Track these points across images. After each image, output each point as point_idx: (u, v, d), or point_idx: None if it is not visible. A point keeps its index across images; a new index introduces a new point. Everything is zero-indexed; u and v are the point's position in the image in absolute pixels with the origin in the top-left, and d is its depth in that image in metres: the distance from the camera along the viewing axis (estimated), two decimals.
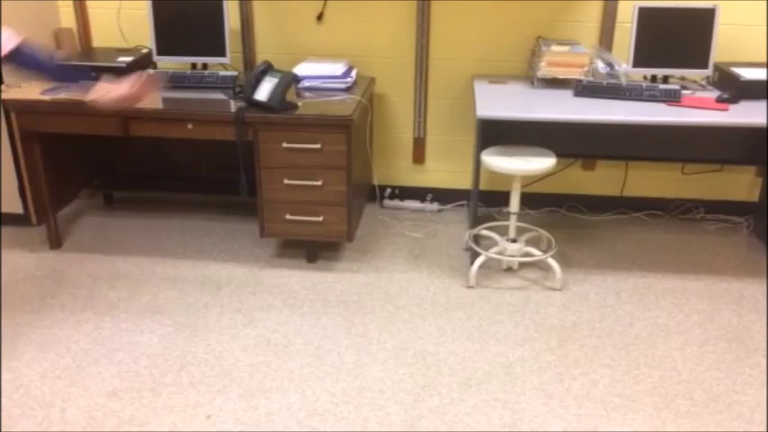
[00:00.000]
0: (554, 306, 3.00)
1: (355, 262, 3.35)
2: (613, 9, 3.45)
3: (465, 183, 3.87)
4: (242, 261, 3.35)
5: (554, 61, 3.28)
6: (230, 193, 3.58)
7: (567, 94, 3.22)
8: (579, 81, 3.21)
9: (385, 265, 3.32)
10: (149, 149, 3.82)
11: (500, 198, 3.80)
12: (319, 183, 3.07)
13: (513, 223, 3.19)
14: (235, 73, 3.40)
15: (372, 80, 3.61)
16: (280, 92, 2.99)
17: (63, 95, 3.12)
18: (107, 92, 2.37)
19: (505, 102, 3.14)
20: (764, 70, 3.20)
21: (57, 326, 2.83)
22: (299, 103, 3.10)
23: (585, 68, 3.27)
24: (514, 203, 3.13)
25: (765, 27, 3.41)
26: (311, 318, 2.90)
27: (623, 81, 3.19)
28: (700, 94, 3.22)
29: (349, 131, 2.99)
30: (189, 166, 3.85)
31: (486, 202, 3.86)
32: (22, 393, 2.44)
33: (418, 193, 3.93)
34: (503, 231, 3.32)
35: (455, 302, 3.02)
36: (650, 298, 3.06)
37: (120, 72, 3.35)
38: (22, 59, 2.22)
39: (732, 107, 3.03)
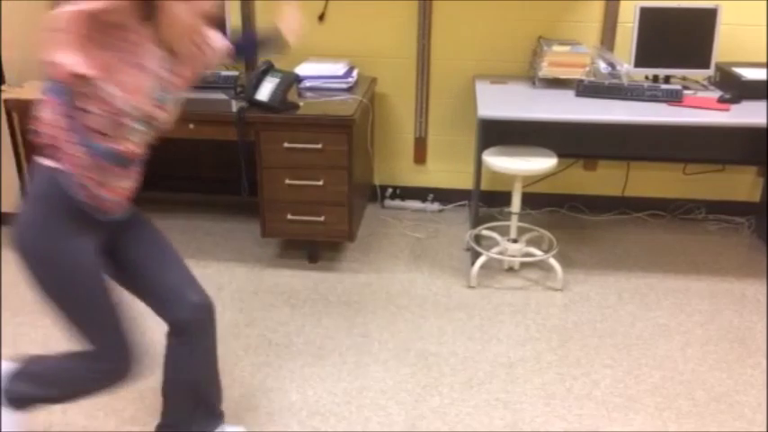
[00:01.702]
0: (555, 306, 3.00)
1: (356, 262, 3.35)
2: (615, 9, 3.45)
3: (466, 183, 3.87)
4: (243, 261, 3.35)
5: (555, 61, 3.28)
6: (231, 192, 3.58)
7: (568, 94, 3.22)
8: (581, 81, 3.20)
9: (386, 265, 3.32)
10: (150, 149, 3.82)
11: (501, 198, 3.80)
12: (320, 183, 3.07)
13: (514, 223, 3.19)
14: (236, 73, 3.39)
15: (374, 80, 3.62)
16: (281, 92, 2.99)
17: None
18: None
19: (507, 102, 3.13)
20: (766, 71, 3.20)
21: (58, 325, 2.83)
22: (301, 103, 3.10)
23: (587, 68, 3.27)
24: (516, 203, 3.13)
25: (766, 27, 3.41)
26: (312, 318, 2.90)
27: (625, 81, 3.19)
28: (701, 94, 3.21)
29: (350, 131, 2.98)
30: (190, 165, 3.85)
31: (487, 202, 3.86)
32: None
33: (419, 193, 3.93)
34: (504, 231, 3.32)
35: (456, 302, 3.02)
36: (651, 298, 3.06)
37: None
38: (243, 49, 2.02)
39: (734, 107, 3.03)
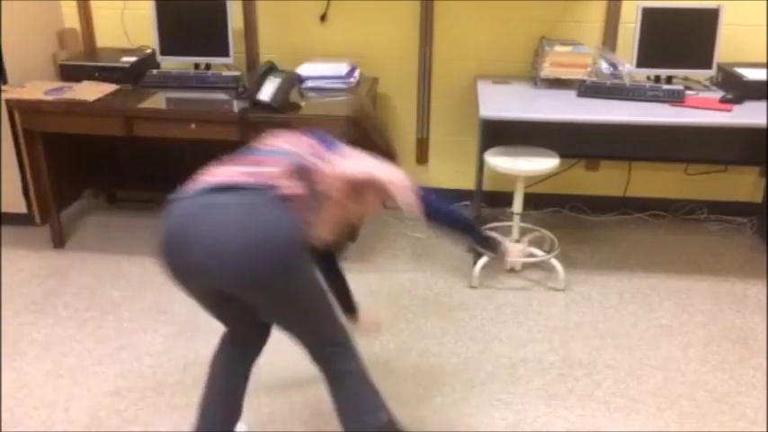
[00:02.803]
0: (557, 306, 3.00)
1: (358, 262, 3.34)
2: (617, 9, 3.45)
3: (468, 183, 3.86)
4: None
5: (557, 61, 3.28)
6: None
7: (570, 94, 3.22)
8: (582, 81, 3.20)
9: (388, 266, 3.32)
10: (153, 149, 3.82)
11: (503, 198, 3.79)
12: None
13: (516, 223, 3.19)
14: (238, 73, 3.40)
15: (375, 80, 3.61)
16: (282, 92, 2.99)
17: (67, 95, 3.13)
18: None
19: (508, 102, 3.13)
20: (767, 71, 3.20)
21: (60, 325, 2.84)
22: (303, 104, 3.10)
23: (589, 69, 3.27)
24: (517, 204, 3.13)
25: (766, 27, 3.40)
26: None
27: (626, 81, 3.19)
28: (703, 94, 3.21)
29: (352, 132, 2.98)
30: (192, 165, 3.83)
31: (489, 202, 3.85)
32: (25, 393, 2.45)
33: None
34: (506, 232, 3.31)
35: (458, 303, 3.02)
36: (653, 299, 3.05)
37: (123, 72, 3.35)
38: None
39: (736, 108, 3.03)
